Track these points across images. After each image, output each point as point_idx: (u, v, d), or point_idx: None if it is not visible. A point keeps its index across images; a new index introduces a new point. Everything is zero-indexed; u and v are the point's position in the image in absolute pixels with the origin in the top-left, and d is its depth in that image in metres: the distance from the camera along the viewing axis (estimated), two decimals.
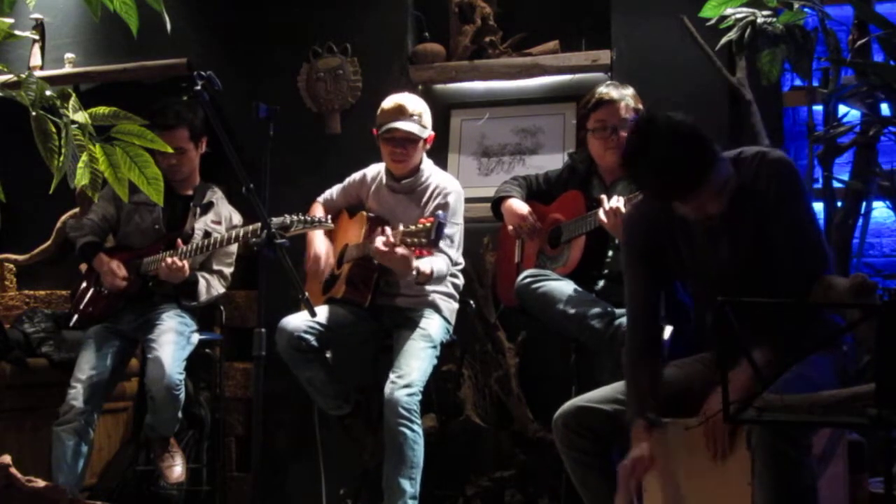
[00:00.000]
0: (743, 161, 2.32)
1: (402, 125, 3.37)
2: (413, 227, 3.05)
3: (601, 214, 2.95)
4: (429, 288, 3.39)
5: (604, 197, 2.98)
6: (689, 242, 2.38)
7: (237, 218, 3.79)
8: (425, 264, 3.19)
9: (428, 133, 3.45)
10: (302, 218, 3.20)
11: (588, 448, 2.42)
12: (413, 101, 3.45)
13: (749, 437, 2.09)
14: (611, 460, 2.43)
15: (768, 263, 2.26)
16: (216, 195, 3.78)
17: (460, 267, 3.55)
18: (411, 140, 3.40)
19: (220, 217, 3.74)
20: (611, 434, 2.41)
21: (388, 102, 3.45)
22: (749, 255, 2.30)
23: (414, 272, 3.17)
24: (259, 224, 2.88)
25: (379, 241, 3.10)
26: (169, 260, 3.45)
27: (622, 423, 2.37)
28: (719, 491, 2.20)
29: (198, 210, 3.70)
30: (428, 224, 3.02)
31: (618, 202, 2.91)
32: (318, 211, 3.65)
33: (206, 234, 3.63)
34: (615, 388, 2.48)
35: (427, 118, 3.45)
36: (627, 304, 2.49)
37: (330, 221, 3.35)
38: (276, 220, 3.03)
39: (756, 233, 2.28)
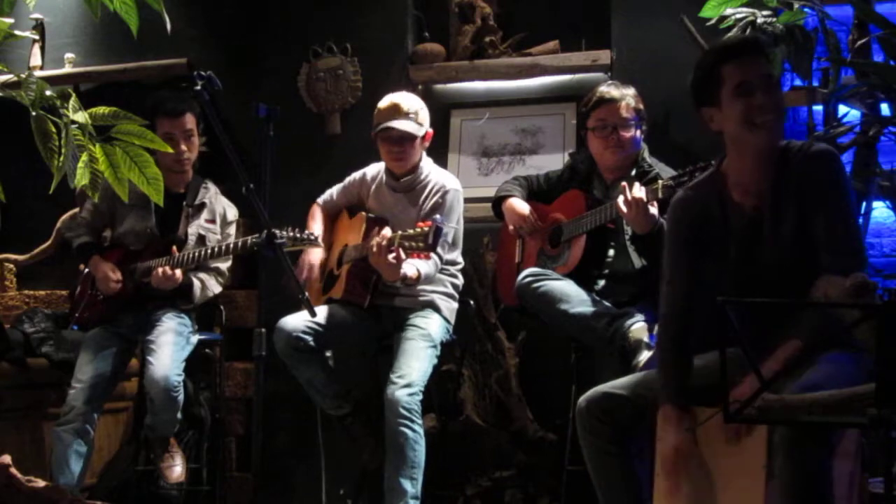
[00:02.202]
0: (790, 150, 2.34)
1: (397, 124, 3.36)
2: (411, 231, 3.04)
3: (621, 204, 2.89)
4: (428, 288, 3.39)
5: (625, 184, 2.91)
6: (735, 231, 2.39)
7: (232, 213, 3.75)
8: (411, 268, 3.19)
9: (425, 130, 3.43)
10: (291, 234, 3.18)
11: (608, 435, 2.42)
12: (408, 99, 3.43)
13: (771, 435, 2.09)
14: (629, 453, 2.43)
15: (809, 254, 2.27)
16: (209, 193, 3.73)
17: (460, 267, 3.55)
18: (408, 138, 3.40)
19: (214, 215, 3.70)
20: (632, 423, 2.42)
21: (384, 102, 3.44)
22: (791, 246, 2.31)
23: (399, 282, 3.18)
24: (253, 236, 2.84)
25: (373, 243, 3.10)
26: (160, 270, 3.44)
27: (642, 409, 2.37)
28: (734, 473, 2.19)
29: (190, 211, 3.67)
30: (426, 228, 3.01)
31: (640, 192, 2.86)
32: (316, 214, 3.65)
33: (201, 238, 3.61)
34: (639, 377, 2.50)
35: (423, 115, 3.44)
36: (665, 289, 2.47)
37: (320, 240, 3.34)
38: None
39: (798, 223, 2.30)
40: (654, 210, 2.87)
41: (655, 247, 2.96)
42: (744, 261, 2.39)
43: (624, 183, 2.93)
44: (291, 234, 3.19)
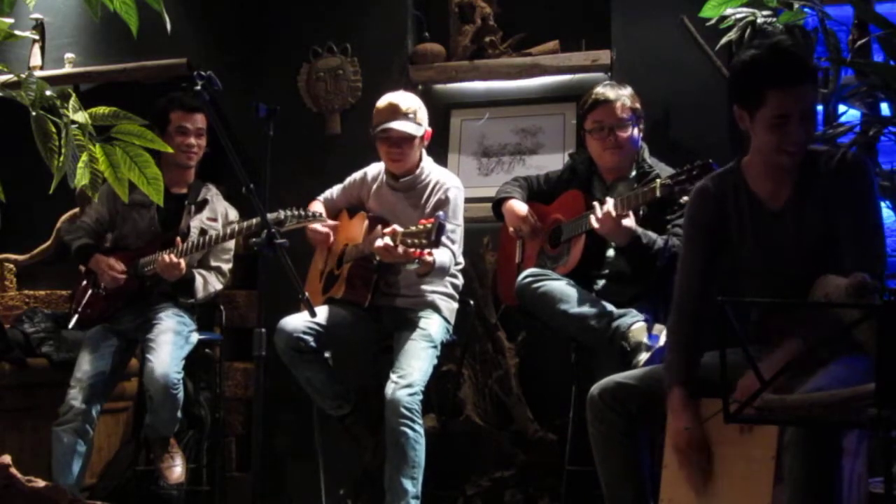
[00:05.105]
0: (823, 153, 2.36)
1: (396, 125, 3.35)
2: (413, 228, 3.04)
3: (593, 221, 2.94)
4: (428, 288, 3.39)
5: (596, 204, 2.96)
6: (755, 224, 2.40)
7: (233, 214, 3.78)
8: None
9: (424, 129, 3.43)
10: (296, 213, 3.25)
11: (617, 423, 2.44)
12: (407, 99, 3.43)
13: (782, 436, 2.10)
14: (636, 443, 2.45)
15: (831, 256, 2.28)
16: (211, 192, 3.77)
17: (460, 267, 3.54)
18: (407, 139, 3.39)
19: (216, 214, 3.73)
20: (641, 413, 2.43)
21: (382, 102, 3.43)
22: (812, 244, 2.32)
23: (416, 263, 3.15)
24: (255, 219, 2.87)
25: (379, 242, 3.10)
26: (165, 256, 3.45)
27: (652, 400, 2.38)
28: (743, 462, 2.20)
29: (192, 208, 3.68)
30: (428, 225, 3.01)
31: (610, 207, 2.91)
32: (316, 207, 3.65)
33: (203, 232, 3.63)
34: (650, 369, 2.52)
35: (422, 115, 3.44)
36: (679, 277, 2.50)
37: (325, 215, 3.37)
38: (270, 216, 3.02)
39: (823, 222, 2.31)
40: (629, 222, 2.90)
41: (639, 256, 2.98)
42: (762, 256, 2.39)
43: (595, 203, 2.97)
44: (295, 212, 3.25)
